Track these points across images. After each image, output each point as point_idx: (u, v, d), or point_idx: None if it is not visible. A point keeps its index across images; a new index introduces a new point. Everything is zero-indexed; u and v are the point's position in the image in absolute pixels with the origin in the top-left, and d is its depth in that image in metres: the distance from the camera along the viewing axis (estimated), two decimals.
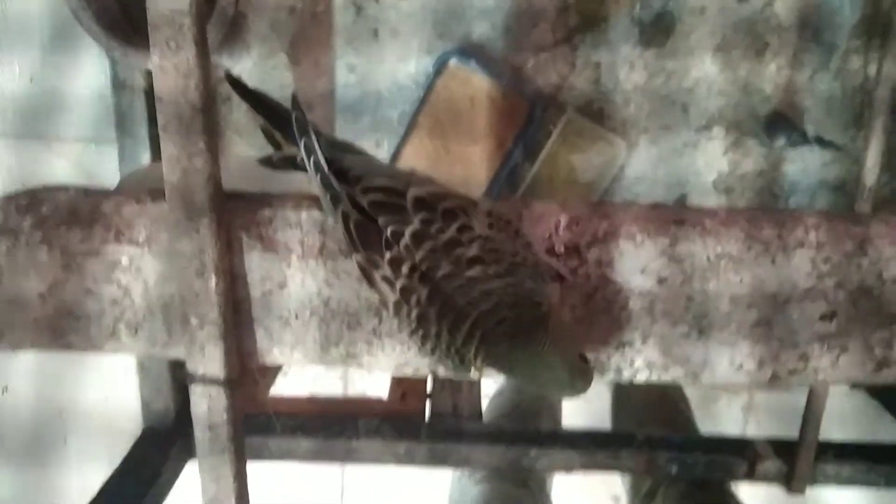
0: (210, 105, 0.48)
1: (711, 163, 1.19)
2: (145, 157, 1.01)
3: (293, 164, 0.55)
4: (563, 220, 0.55)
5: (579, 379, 0.50)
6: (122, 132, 1.00)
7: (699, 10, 1.15)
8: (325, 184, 0.53)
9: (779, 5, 1.12)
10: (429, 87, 1.19)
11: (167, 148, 0.48)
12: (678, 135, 1.19)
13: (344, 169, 0.53)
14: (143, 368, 1.04)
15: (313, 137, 0.53)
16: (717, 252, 0.54)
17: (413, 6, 1.18)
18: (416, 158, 1.22)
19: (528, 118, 1.20)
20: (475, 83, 1.19)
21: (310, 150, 0.53)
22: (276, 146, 0.56)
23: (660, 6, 1.15)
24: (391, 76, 1.23)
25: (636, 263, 0.55)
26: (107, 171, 1.04)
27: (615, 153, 1.20)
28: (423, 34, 1.20)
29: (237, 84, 0.55)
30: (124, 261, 0.53)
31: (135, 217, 0.53)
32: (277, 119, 0.55)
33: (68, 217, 0.52)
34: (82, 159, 1.21)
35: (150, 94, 1.01)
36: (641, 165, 1.21)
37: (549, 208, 0.55)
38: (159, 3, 0.46)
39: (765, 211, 0.55)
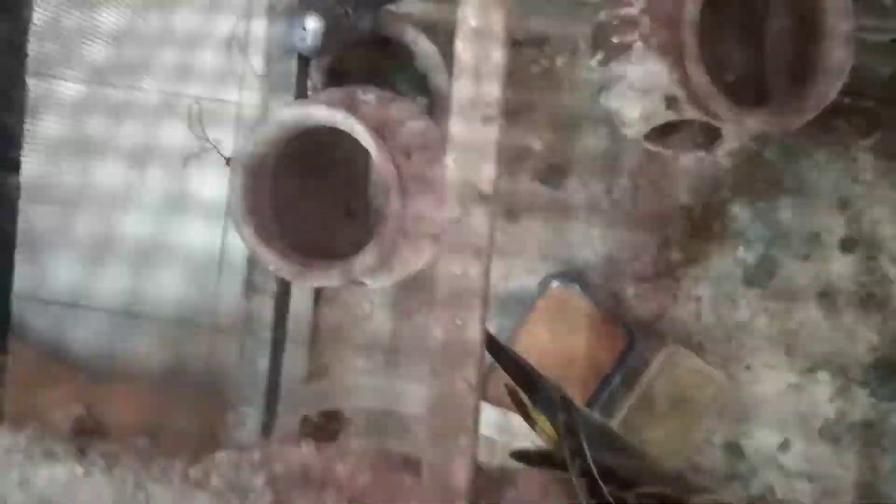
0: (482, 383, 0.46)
1: (817, 408, 1.17)
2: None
3: (550, 461, 0.52)
4: None
5: None
6: (249, 331, 1.00)
7: (803, 256, 1.18)
8: (592, 490, 0.49)
9: (884, 259, 1.15)
10: (530, 307, 1.19)
11: (431, 427, 0.45)
12: (781, 376, 1.18)
13: (612, 470, 0.50)
14: None
15: (582, 438, 0.50)
16: None
17: (519, 229, 1.22)
18: None
19: (627, 346, 1.19)
20: (576, 306, 1.19)
21: (575, 453, 0.50)
22: (520, 407, 0.54)
23: (763, 249, 1.19)
24: (493, 293, 1.24)
25: None
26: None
27: (716, 389, 1.17)
28: (528, 255, 1.22)
29: (492, 341, 0.54)
30: None
31: (371, 486, 0.49)
32: (527, 382, 0.54)
33: (301, 477, 0.48)
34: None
35: (279, 298, 1.02)
36: (743, 404, 1.18)
37: None
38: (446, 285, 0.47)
39: None
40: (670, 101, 0.80)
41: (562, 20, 1.13)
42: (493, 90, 0.48)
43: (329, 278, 0.84)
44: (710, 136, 0.85)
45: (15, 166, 0.47)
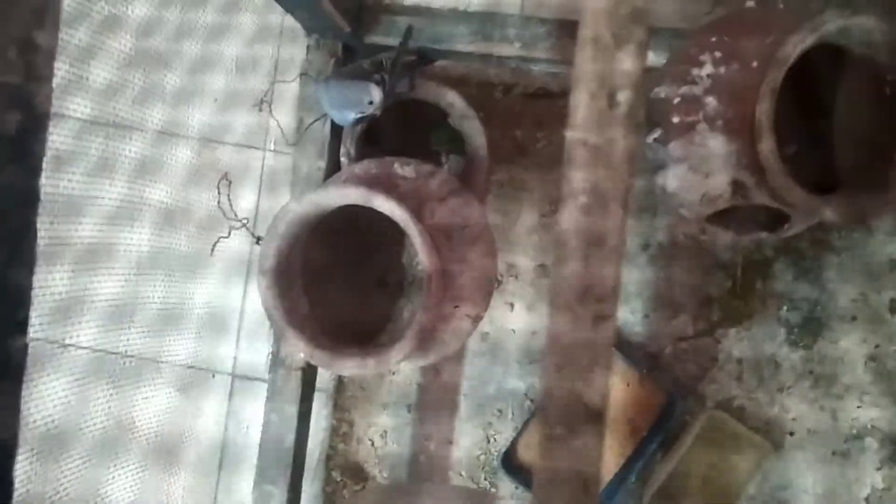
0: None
1: (863, 476, 1.12)
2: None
3: None
4: None
5: None
6: (272, 398, 0.95)
7: (849, 318, 1.13)
8: None
9: None
10: None
11: None
12: (827, 442, 1.13)
13: None
14: None
15: None
16: None
17: (546, 284, 1.17)
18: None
19: (665, 408, 1.14)
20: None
21: None
22: None
23: (807, 310, 1.14)
24: (523, 347, 1.19)
25: None
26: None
27: (759, 456, 1.12)
28: None
29: None
30: None
31: None
32: None
33: None
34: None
35: (305, 370, 0.97)
36: (786, 471, 1.13)
37: None
38: None
39: None
40: (737, 186, 0.74)
41: None
42: (609, 274, 0.41)
43: (364, 368, 0.79)
44: (776, 217, 0.80)
45: (22, 328, 0.41)
